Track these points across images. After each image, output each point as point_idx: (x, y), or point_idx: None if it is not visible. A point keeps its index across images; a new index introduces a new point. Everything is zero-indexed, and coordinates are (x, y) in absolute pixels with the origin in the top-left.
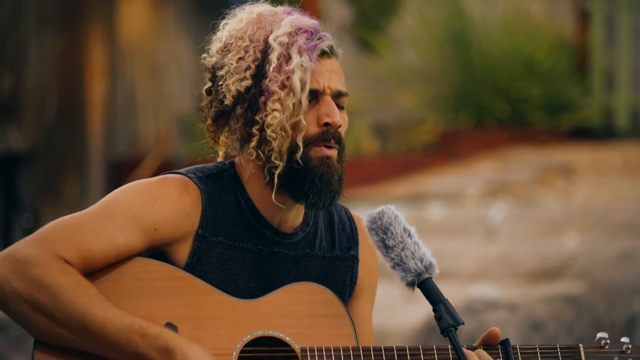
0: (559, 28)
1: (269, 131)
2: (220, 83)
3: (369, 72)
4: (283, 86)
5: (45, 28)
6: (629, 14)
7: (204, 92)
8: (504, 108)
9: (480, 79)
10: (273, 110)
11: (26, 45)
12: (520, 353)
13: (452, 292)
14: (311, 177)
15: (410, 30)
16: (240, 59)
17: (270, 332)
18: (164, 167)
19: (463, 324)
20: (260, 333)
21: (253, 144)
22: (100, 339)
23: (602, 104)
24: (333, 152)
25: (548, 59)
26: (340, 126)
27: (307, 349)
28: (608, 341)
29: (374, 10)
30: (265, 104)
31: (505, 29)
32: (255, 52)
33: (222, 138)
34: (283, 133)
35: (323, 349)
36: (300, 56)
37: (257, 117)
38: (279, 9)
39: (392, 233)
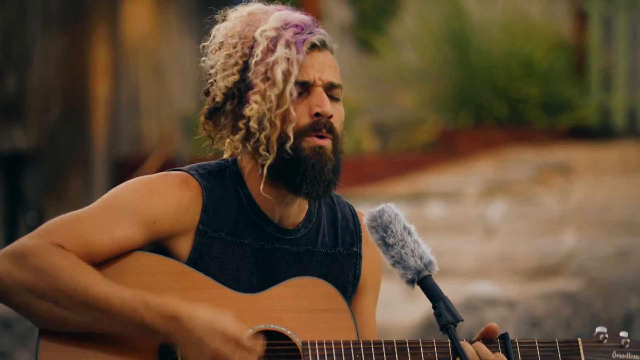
0: (557, 28)
1: (251, 123)
2: (211, 81)
3: (369, 72)
4: (266, 78)
5: (50, 28)
6: (626, 14)
7: (204, 94)
8: (503, 108)
9: (479, 79)
10: (253, 102)
11: (31, 46)
12: (519, 347)
13: (451, 290)
14: (303, 167)
15: (410, 31)
16: (228, 55)
17: (272, 325)
18: (167, 166)
19: (462, 320)
20: (261, 327)
21: (238, 137)
22: (106, 313)
23: (600, 103)
24: (325, 142)
25: (546, 59)
26: (331, 116)
27: (308, 342)
28: (606, 335)
29: (374, 10)
30: (250, 97)
31: (504, 30)
32: (243, 48)
33: (224, 136)
34: (268, 124)
35: (324, 342)
36: (286, 48)
37: (244, 112)
38: (271, 7)
39: (392, 231)
